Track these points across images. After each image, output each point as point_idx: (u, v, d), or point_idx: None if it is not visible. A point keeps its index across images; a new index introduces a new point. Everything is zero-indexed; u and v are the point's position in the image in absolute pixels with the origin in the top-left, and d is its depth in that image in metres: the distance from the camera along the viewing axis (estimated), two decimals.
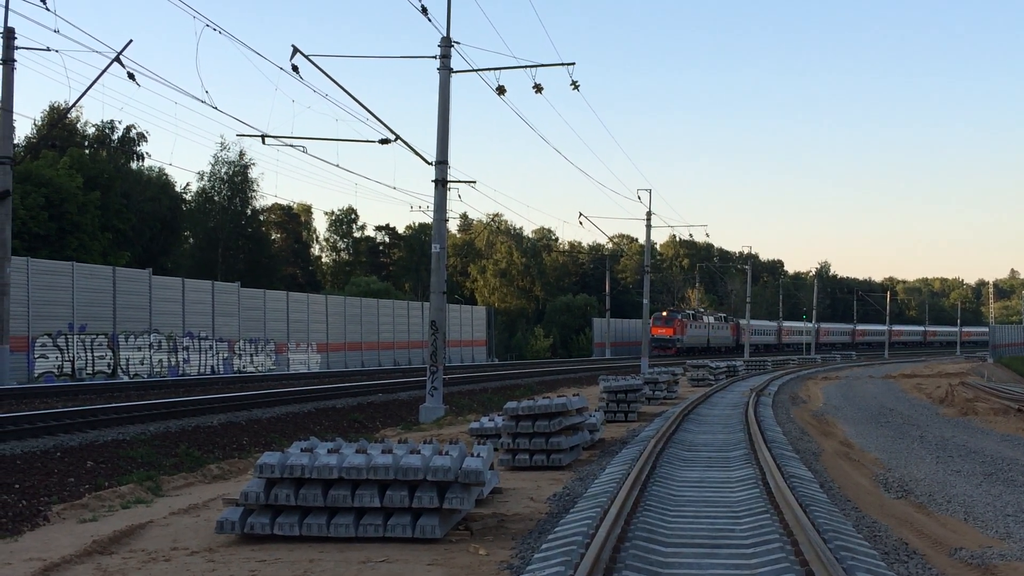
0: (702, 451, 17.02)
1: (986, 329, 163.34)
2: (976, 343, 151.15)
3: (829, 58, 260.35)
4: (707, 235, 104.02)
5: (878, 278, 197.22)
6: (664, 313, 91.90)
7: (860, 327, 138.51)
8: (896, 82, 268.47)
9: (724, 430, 20.91)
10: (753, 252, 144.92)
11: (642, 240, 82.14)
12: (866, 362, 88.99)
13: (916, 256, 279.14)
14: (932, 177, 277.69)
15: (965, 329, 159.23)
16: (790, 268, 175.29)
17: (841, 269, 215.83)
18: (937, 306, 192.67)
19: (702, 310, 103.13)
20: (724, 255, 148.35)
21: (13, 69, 29.76)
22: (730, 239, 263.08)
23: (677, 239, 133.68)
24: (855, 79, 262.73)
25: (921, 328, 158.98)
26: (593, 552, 7.86)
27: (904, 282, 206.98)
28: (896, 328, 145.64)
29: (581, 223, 58.82)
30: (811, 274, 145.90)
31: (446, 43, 24.86)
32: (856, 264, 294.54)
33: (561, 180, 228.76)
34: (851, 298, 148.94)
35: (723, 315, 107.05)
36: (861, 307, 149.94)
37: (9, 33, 29.56)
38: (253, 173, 71.01)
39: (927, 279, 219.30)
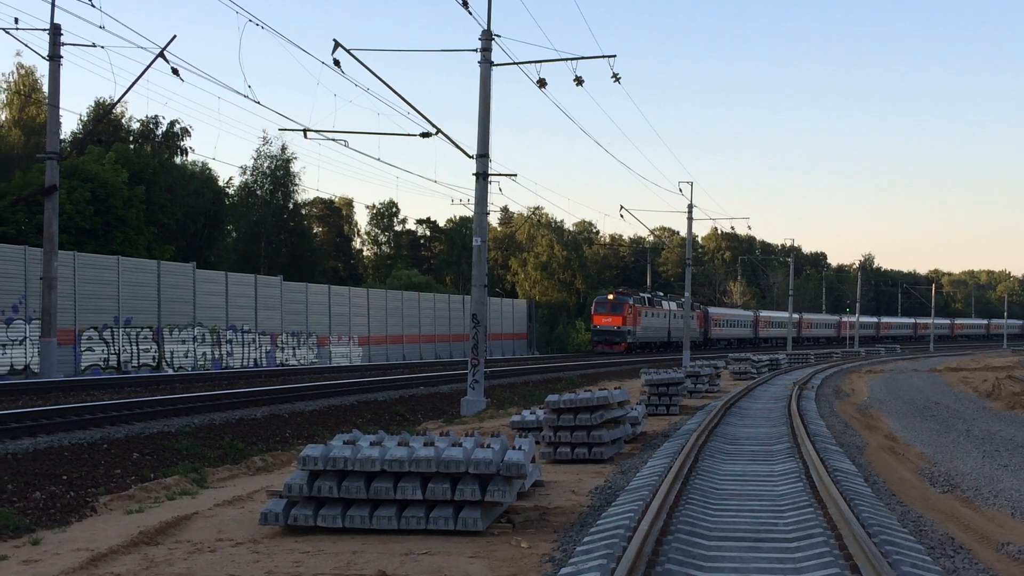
0: (745, 445, 16.93)
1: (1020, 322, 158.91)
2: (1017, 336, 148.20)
3: (872, 47, 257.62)
4: (749, 227, 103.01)
5: (923, 270, 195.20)
6: (610, 296, 72.54)
7: (885, 319, 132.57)
8: (940, 71, 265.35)
9: (767, 423, 20.79)
10: (796, 244, 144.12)
11: (683, 233, 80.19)
12: (911, 355, 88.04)
13: (962, 248, 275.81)
14: (979, 168, 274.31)
15: (995, 321, 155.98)
16: (833, 261, 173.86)
17: (885, 262, 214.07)
18: (983, 299, 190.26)
19: (661, 294, 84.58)
20: (766, 248, 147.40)
21: (59, 65, 30.08)
22: (773, 231, 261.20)
23: (719, 231, 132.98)
24: (899, 68, 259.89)
25: (948, 321, 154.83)
26: (635, 545, 7.84)
27: (950, 274, 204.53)
28: (922, 321, 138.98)
29: (622, 216, 58.90)
30: (855, 267, 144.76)
31: (487, 36, 24.84)
32: (901, 256, 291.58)
33: (602, 173, 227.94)
34: (895, 291, 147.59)
35: (688, 299, 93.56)
36: (905, 300, 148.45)
37: (55, 30, 29.88)
38: (295, 167, 71.43)
39: (973, 271, 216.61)
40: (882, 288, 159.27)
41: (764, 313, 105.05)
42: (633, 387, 29.48)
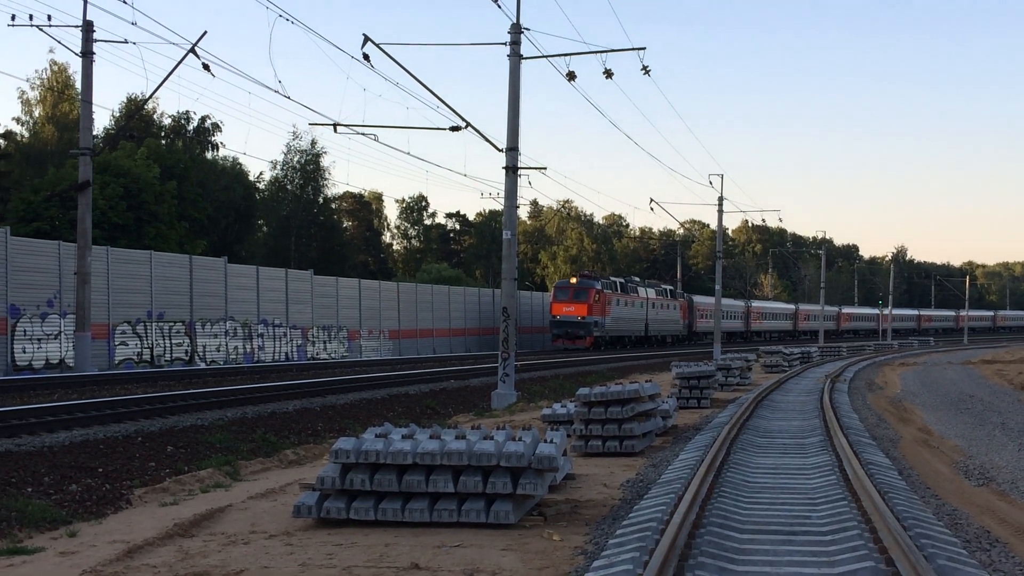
0: (777, 438, 16.85)
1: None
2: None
3: (905, 36, 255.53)
4: (780, 220, 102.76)
5: (957, 262, 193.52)
6: (572, 280, 60.74)
7: (925, 312, 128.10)
8: (975, 60, 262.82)
9: (799, 416, 20.68)
10: (827, 237, 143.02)
11: (714, 226, 77.81)
12: (944, 348, 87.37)
13: (997, 240, 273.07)
14: (1014, 158, 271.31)
15: (1001, 313, 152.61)
16: (865, 253, 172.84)
17: (918, 253, 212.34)
18: (1018, 291, 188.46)
19: (636, 279, 73.09)
20: (798, 240, 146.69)
21: (92, 62, 30.28)
22: (804, 224, 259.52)
23: (750, 224, 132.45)
24: (933, 57, 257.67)
25: (991, 313, 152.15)
26: (668, 538, 7.82)
27: (984, 266, 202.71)
28: (925, 313, 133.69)
29: (652, 209, 58.29)
30: (887, 259, 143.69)
31: (516, 29, 24.81)
32: (934, 248, 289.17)
33: (632, 166, 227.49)
34: (928, 283, 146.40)
35: (667, 288, 77.68)
36: (939, 292, 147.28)
37: (88, 26, 30.08)
38: (325, 161, 71.78)
39: (1008, 263, 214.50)
40: (915, 280, 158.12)
41: (757, 304, 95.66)
42: (664, 380, 29.42)
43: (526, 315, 67.04)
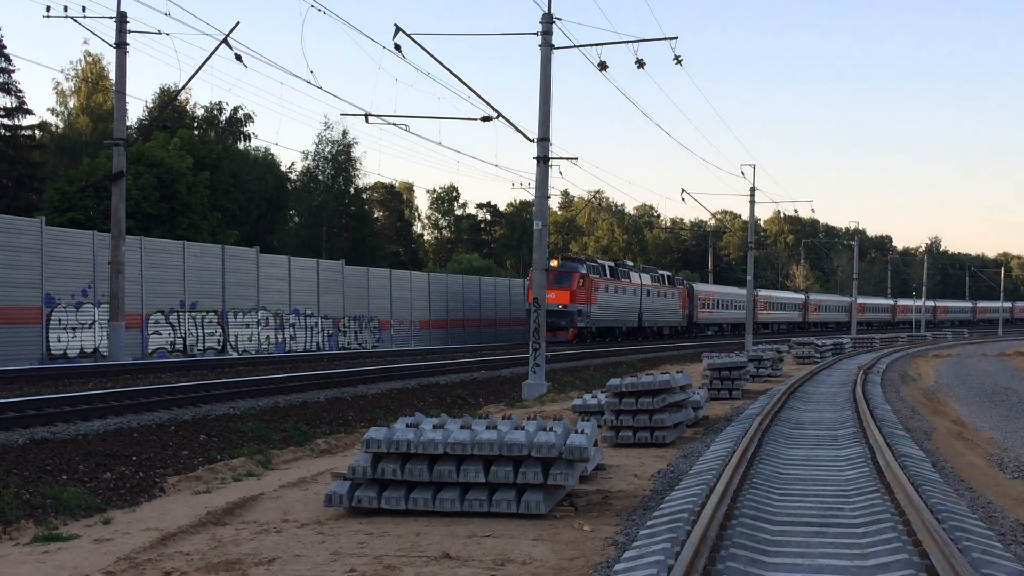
0: (809, 429, 16.76)
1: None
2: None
3: (936, 25, 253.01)
4: (812, 210, 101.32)
5: (992, 253, 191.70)
6: (553, 263, 50.49)
7: (901, 302, 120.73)
8: (1005, 50, 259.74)
9: (831, 408, 20.57)
10: (860, 227, 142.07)
11: (745, 216, 76.79)
12: (979, 339, 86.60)
13: None
14: None
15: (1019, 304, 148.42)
16: (899, 244, 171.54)
17: (953, 244, 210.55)
18: None
19: (629, 263, 65.46)
20: (830, 231, 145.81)
21: (126, 53, 30.49)
22: (836, 214, 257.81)
23: (782, 215, 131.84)
24: (964, 47, 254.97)
25: (970, 304, 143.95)
26: (700, 529, 7.79)
27: (1019, 257, 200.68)
28: (942, 304, 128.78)
29: (683, 199, 55.09)
30: (921, 250, 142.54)
31: (547, 19, 24.75)
32: (969, 239, 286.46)
33: (663, 156, 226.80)
34: (963, 274, 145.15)
35: (664, 273, 69.39)
36: (973, 283, 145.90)
37: (122, 17, 30.28)
38: (356, 152, 71.98)
39: None
40: (949, 271, 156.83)
41: (765, 293, 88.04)
42: (695, 371, 29.33)
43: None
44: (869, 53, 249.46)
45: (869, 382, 28.55)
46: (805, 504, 10.01)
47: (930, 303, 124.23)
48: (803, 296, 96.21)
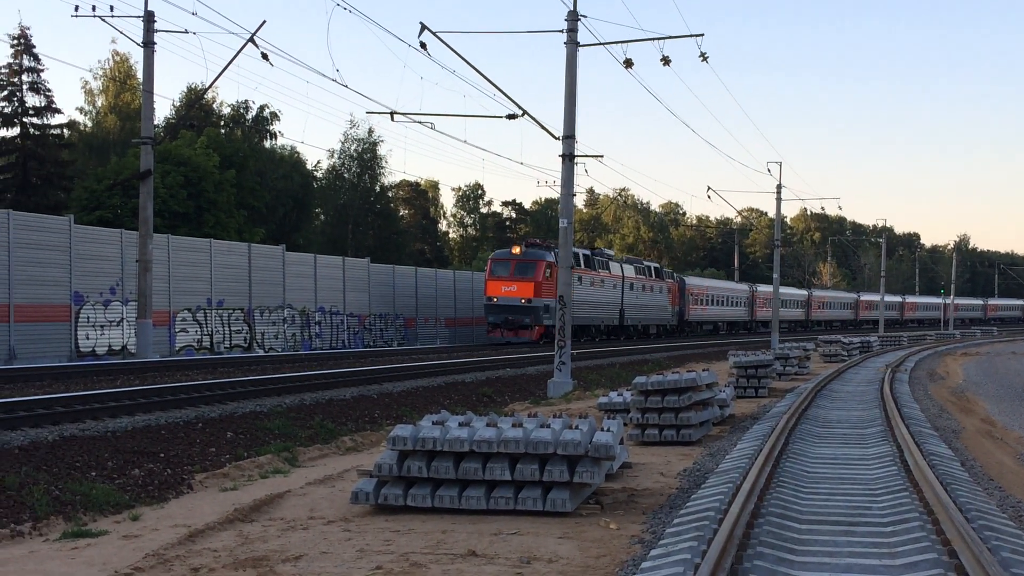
0: (836, 428, 16.67)
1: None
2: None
3: (965, 20, 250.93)
4: (840, 207, 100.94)
5: (1021, 251, 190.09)
6: (515, 250, 45.64)
7: (910, 299, 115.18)
8: None
9: (859, 406, 20.45)
10: (888, 225, 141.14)
11: (772, 214, 75.47)
12: (1007, 338, 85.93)
13: None
14: None
15: (991, 302, 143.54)
16: (927, 241, 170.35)
17: (981, 242, 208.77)
18: None
19: (610, 252, 58.22)
20: (857, 228, 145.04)
21: (153, 52, 30.64)
22: (864, 212, 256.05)
23: (808, 212, 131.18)
24: (994, 42, 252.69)
25: (980, 302, 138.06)
26: (726, 528, 7.77)
27: None
28: (959, 302, 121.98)
29: (709, 197, 53.61)
30: (949, 247, 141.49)
31: (573, 17, 24.72)
32: (998, 237, 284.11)
33: (689, 153, 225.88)
34: (992, 272, 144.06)
35: (651, 265, 62.15)
36: (1002, 280, 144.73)
37: (149, 17, 30.43)
38: (382, 150, 72.05)
39: None
40: (978, 269, 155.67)
41: (763, 288, 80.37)
42: (721, 369, 29.23)
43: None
44: (896, 49, 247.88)
45: (897, 380, 28.37)
46: (833, 503, 9.96)
47: (945, 300, 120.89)
48: (806, 293, 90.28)
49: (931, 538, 8.05)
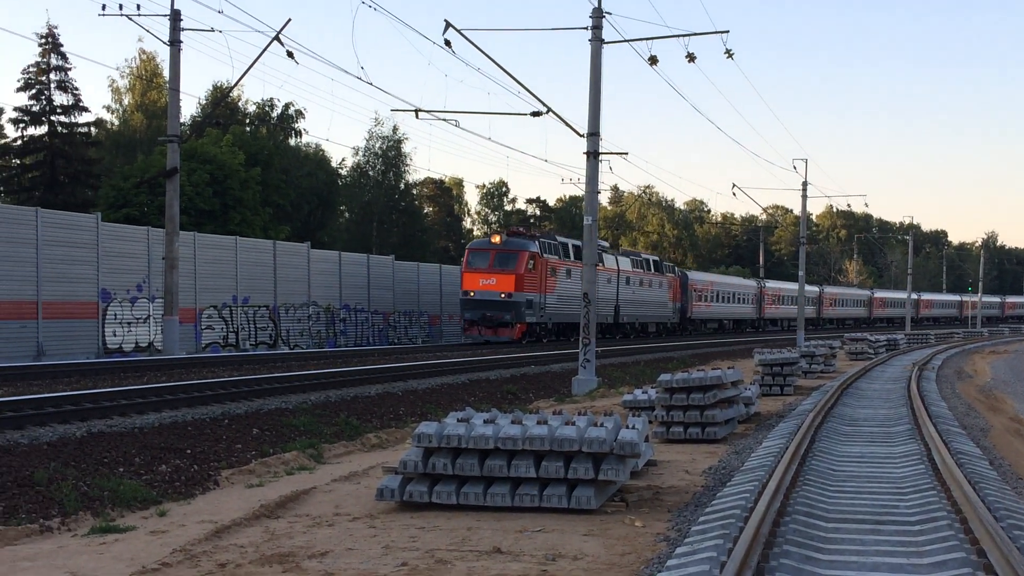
0: (863, 426, 16.59)
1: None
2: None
3: (993, 14, 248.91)
4: (866, 205, 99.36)
5: None
6: (495, 239, 42.30)
7: (925, 296, 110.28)
8: None
9: (886, 405, 20.34)
10: (915, 222, 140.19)
11: (797, 211, 74.47)
12: None
13: None
14: None
15: (1008, 300, 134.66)
16: (954, 239, 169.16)
17: (1010, 239, 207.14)
18: None
19: (604, 243, 51.94)
20: (884, 225, 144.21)
21: (180, 50, 30.80)
22: (890, 209, 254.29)
23: (834, 209, 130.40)
24: (1019, 40, 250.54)
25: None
26: (752, 526, 7.74)
27: None
28: (974, 299, 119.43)
29: (734, 194, 52.61)
30: (977, 245, 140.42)
31: (597, 14, 24.69)
32: None
33: (714, 151, 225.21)
34: (1021, 269, 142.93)
35: (650, 258, 58.40)
36: None
37: (176, 15, 30.59)
38: (406, 147, 72.16)
39: None
40: (1006, 267, 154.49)
41: (771, 284, 77.73)
42: (746, 367, 29.13)
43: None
44: (923, 45, 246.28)
45: (924, 378, 28.20)
46: (859, 501, 9.91)
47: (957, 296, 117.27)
48: (818, 289, 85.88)
49: (959, 537, 8.00)
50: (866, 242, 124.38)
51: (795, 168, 58.32)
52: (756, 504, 8.69)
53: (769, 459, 12.13)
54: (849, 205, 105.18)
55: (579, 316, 43.98)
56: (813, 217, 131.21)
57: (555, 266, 43.07)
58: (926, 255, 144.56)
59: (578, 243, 45.27)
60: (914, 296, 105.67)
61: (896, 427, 16.21)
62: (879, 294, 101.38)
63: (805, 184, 52.17)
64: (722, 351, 43.86)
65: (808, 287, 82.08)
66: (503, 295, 40.07)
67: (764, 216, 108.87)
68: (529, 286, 40.68)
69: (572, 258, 44.68)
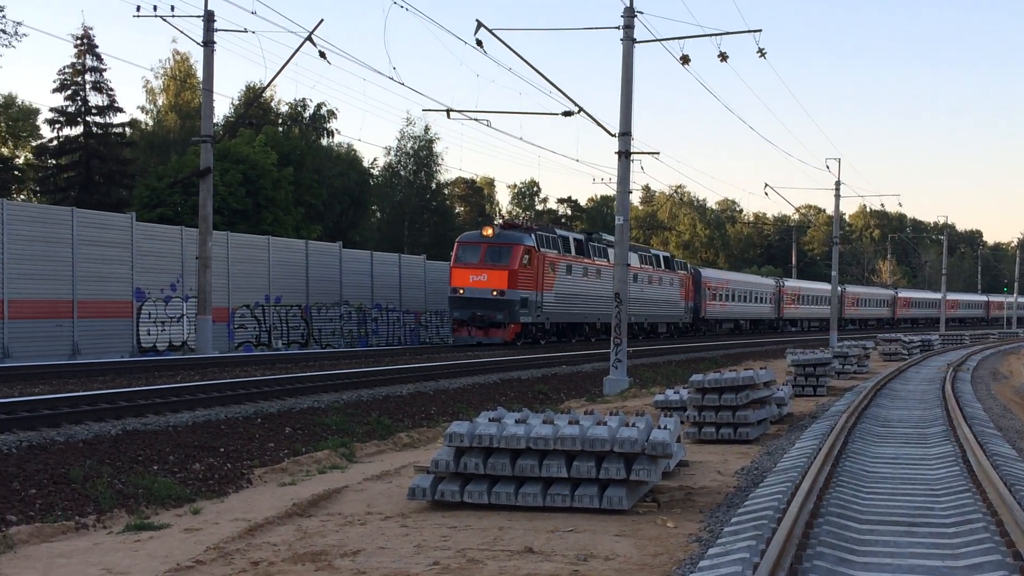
0: (897, 427, 16.47)
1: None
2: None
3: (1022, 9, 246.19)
4: (900, 204, 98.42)
5: None
6: (487, 231, 39.09)
7: (951, 296, 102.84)
8: None
9: (920, 406, 20.19)
10: (950, 222, 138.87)
11: (830, 211, 73.45)
12: None
13: None
14: None
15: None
16: (990, 239, 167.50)
17: None
18: None
19: (608, 236, 45.60)
20: (917, 225, 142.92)
21: (213, 51, 31.00)
22: (924, 208, 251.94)
23: (867, 209, 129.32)
24: None
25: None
26: (785, 527, 7.70)
27: None
28: (997, 300, 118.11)
29: (767, 194, 52.03)
30: (1013, 245, 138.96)
31: (629, 13, 24.65)
32: None
33: (746, 150, 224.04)
34: None
35: (661, 254, 54.81)
36: None
37: (209, 16, 30.80)
38: (438, 147, 72.31)
39: None
40: None
41: (791, 284, 74.12)
42: (779, 367, 28.98)
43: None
44: (956, 44, 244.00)
45: (959, 379, 27.96)
46: (893, 503, 9.85)
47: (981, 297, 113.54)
48: (840, 288, 77.07)
49: (995, 539, 7.93)
50: (900, 242, 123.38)
51: (828, 167, 57.75)
52: (789, 505, 8.65)
53: (802, 460, 12.06)
54: (883, 205, 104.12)
55: (581, 316, 44.29)
56: (846, 217, 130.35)
57: (554, 261, 40.14)
58: (961, 255, 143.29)
59: (579, 236, 44.82)
60: (939, 296, 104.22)
61: (930, 428, 16.09)
62: (903, 294, 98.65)
63: (838, 183, 51.86)
64: (756, 351, 43.63)
65: (828, 286, 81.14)
66: (495, 292, 37.25)
67: (796, 216, 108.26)
68: (524, 283, 37.91)
69: (573, 253, 42.42)
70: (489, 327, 37.42)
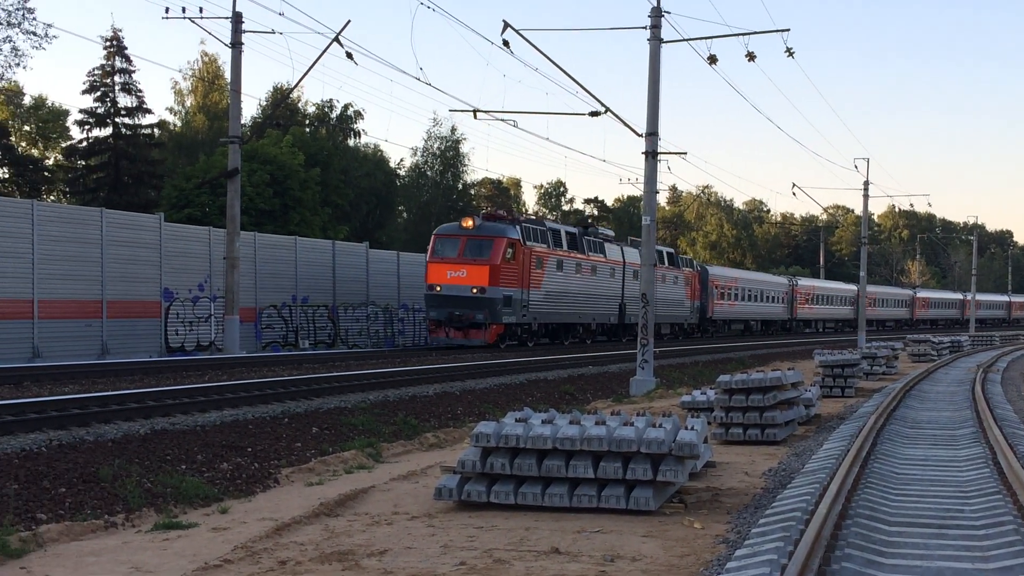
0: (926, 428, 16.35)
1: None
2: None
3: None
4: (929, 204, 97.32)
5: None
6: (467, 223, 35.59)
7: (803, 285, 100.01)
8: None
9: (949, 407, 20.03)
10: (979, 222, 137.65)
11: (858, 211, 72.70)
12: None
13: None
14: None
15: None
16: (1020, 239, 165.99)
17: None
18: None
19: (607, 231, 47.15)
20: (947, 225, 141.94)
21: (241, 52, 31.15)
22: (954, 208, 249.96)
23: (896, 209, 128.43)
24: None
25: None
26: (814, 529, 7.65)
27: None
28: (1018, 300, 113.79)
29: (794, 194, 51.23)
30: None
31: (656, 13, 24.59)
32: None
33: (773, 150, 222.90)
34: None
35: (664, 250, 49.77)
36: None
37: (237, 18, 30.94)
38: (464, 148, 72.38)
39: None
40: None
41: (804, 283, 71.36)
42: (806, 368, 28.83)
43: None
44: (986, 42, 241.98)
45: (989, 381, 27.73)
46: (923, 505, 9.77)
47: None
48: (855, 288, 74.04)
49: None
50: (929, 242, 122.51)
51: (856, 167, 57.39)
52: (817, 506, 8.59)
53: (830, 461, 11.99)
54: (912, 205, 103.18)
55: (574, 316, 41.29)
56: (875, 217, 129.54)
57: (542, 256, 36.92)
58: (991, 255, 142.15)
59: (572, 229, 41.70)
60: (959, 296, 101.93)
61: (960, 430, 15.96)
62: (922, 294, 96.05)
63: (867, 183, 51.54)
64: (783, 352, 43.42)
65: (845, 286, 80.00)
66: (474, 290, 34.16)
67: (824, 216, 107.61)
68: (507, 279, 34.78)
69: (565, 247, 39.06)
70: (468, 328, 34.69)
